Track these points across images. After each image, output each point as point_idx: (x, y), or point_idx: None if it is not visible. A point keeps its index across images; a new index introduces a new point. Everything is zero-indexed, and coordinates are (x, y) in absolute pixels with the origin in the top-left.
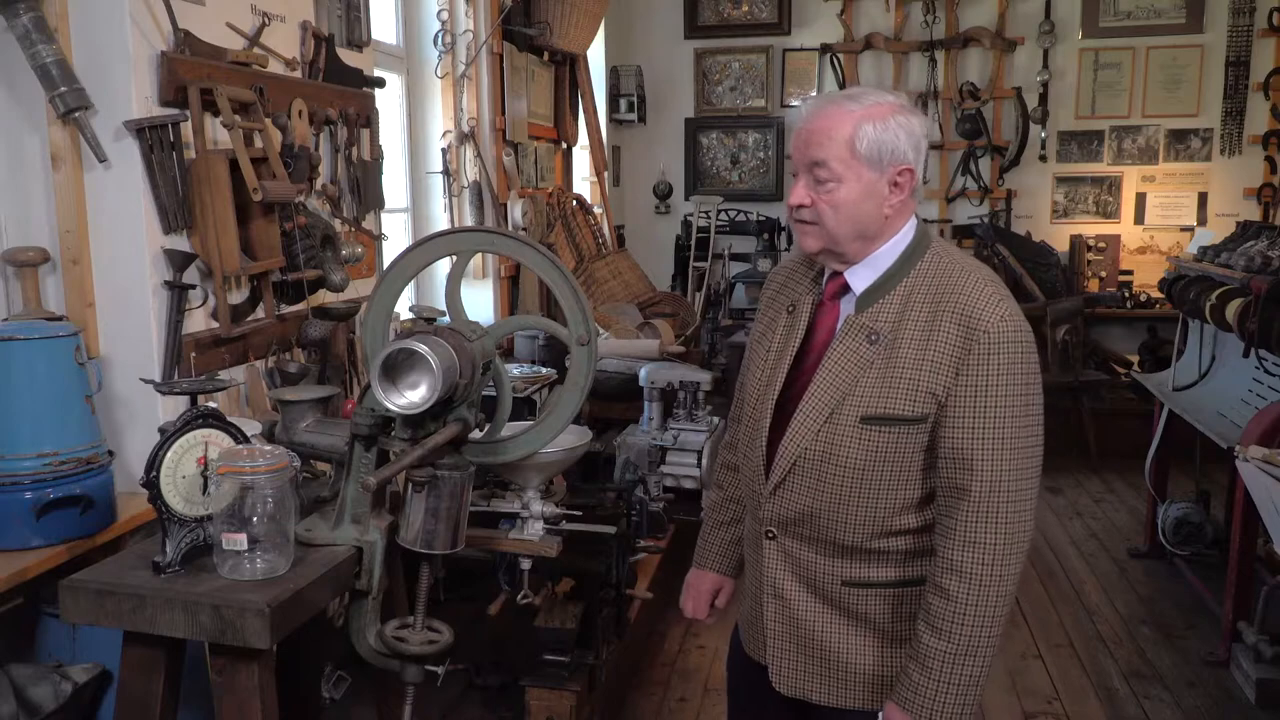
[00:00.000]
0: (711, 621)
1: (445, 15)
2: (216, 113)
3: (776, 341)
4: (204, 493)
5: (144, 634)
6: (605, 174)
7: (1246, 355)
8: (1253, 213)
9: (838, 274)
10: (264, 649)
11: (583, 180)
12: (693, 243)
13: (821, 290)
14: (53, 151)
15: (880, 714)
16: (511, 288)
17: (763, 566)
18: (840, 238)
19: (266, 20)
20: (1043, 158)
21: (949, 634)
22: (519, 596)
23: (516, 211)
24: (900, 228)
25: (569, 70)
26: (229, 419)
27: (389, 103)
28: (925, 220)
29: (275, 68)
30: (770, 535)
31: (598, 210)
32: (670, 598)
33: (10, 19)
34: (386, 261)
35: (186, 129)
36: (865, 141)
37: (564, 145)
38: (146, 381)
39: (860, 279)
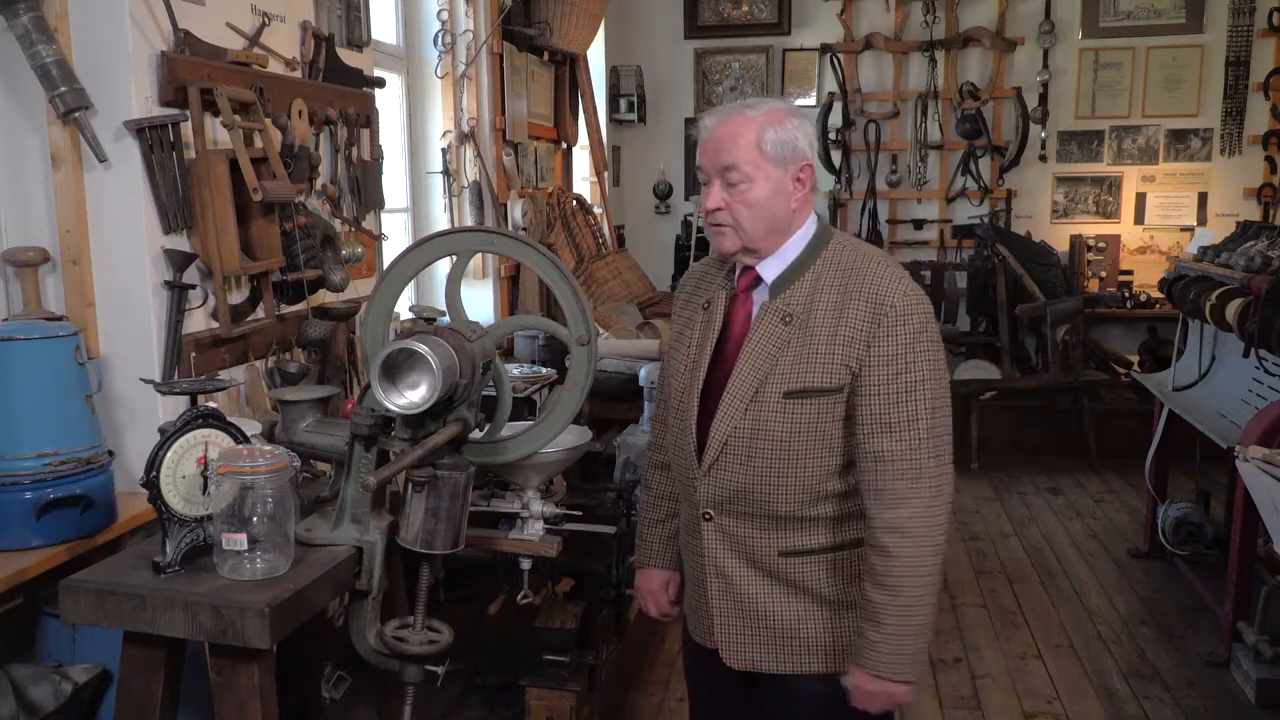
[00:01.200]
0: (675, 613)
1: (445, 15)
2: (216, 113)
3: (695, 337)
4: (204, 493)
5: (144, 634)
6: (605, 174)
7: (1246, 355)
8: (1253, 213)
9: (749, 269)
10: (264, 649)
11: (583, 180)
12: (693, 243)
13: (734, 285)
14: (53, 151)
15: (844, 681)
16: (511, 288)
17: (703, 549)
18: (755, 235)
19: (266, 20)
20: (1043, 158)
21: (895, 589)
22: (519, 596)
23: (516, 211)
24: (804, 221)
25: (569, 70)
26: (229, 419)
27: (389, 103)
28: (925, 220)
29: (275, 68)
30: (707, 517)
31: (598, 210)
32: None
33: (10, 19)
34: (386, 261)
35: (186, 129)
36: (769, 144)
37: (564, 145)
38: (146, 381)
39: (770, 270)
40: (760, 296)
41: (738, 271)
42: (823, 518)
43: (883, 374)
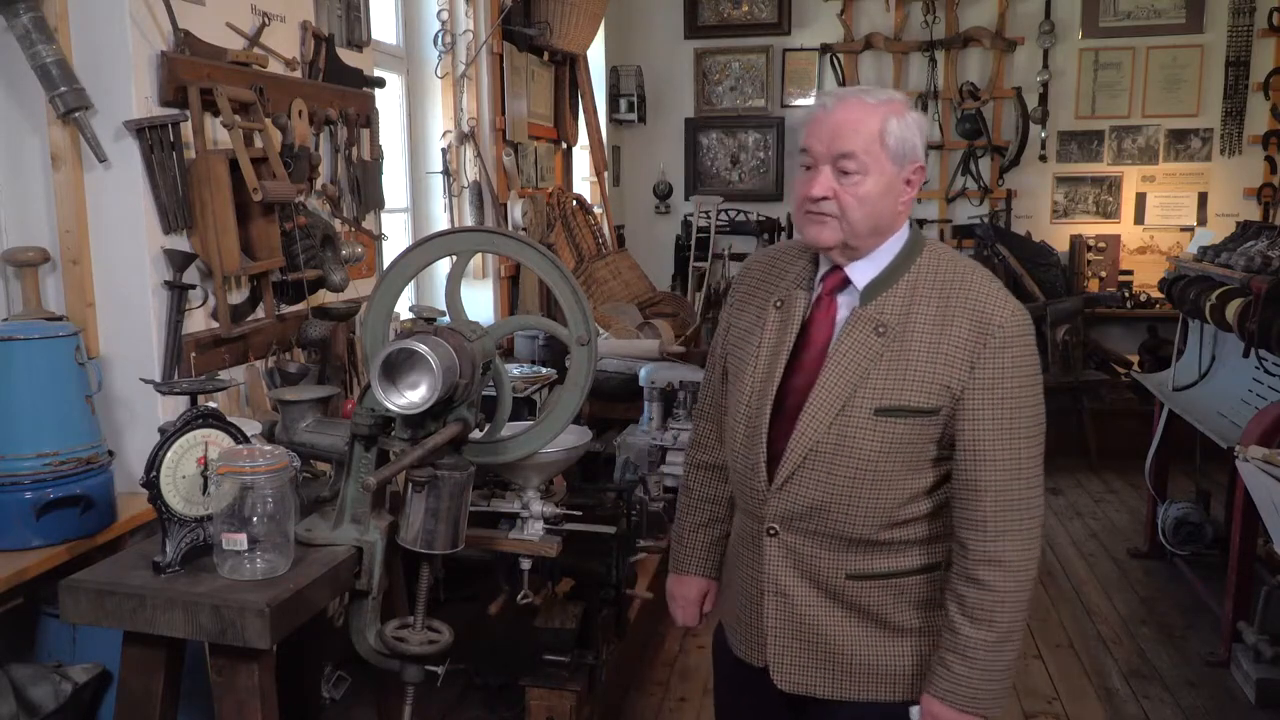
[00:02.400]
0: (702, 626)
1: (445, 15)
2: (216, 113)
3: (768, 337)
4: (204, 493)
5: (144, 634)
6: (605, 174)
7: (1246, 355)
8: (1253, 213)
9: (835, 269)
10: (264, 649)
11: (583, 180)
12: (693, 243)
13: (819, 285)
14: (53, 151)
15: (915, 710)
16: (511, 288)
17: (763, 564)
18: (859, 231)
19: (266, 20)
20: (1043, 158)
21: (990, 623)
22: (519, 596)
23: (516, 211)
24: (902, 225)
25: (569, 70)
26: (229, 419)
27: (389, 103)
28: (926, 220)
29: (275, 68)
30: (772, 532)
31: (598, 210)
32: None
33: (10, 19)
34: (386, 261)
35: (186, 129)
36: (892, 137)
37: (564, 145)
38: (146, 381)
39: (862, 273)
40: (847, 301)
41: (822, 271)
42: (896, 542)
43: (986, 399)
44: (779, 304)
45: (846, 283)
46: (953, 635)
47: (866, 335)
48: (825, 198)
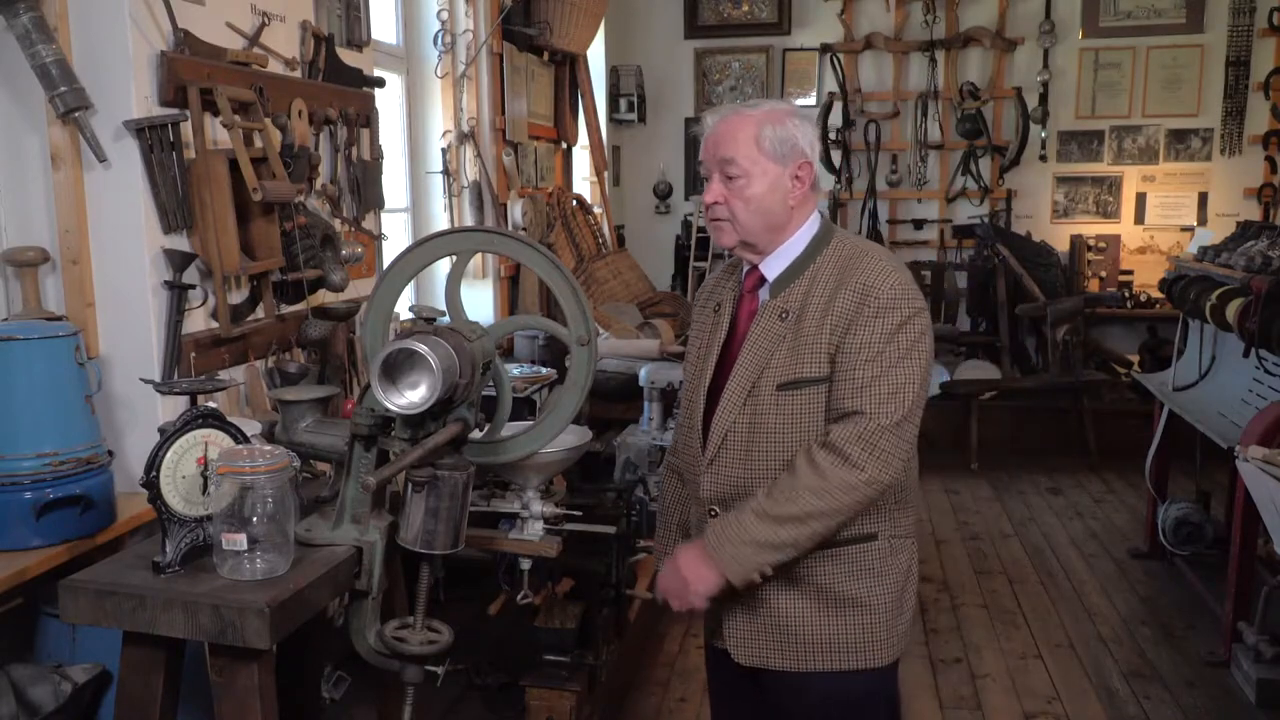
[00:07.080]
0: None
1: (445, 15)
2: (216, 113)
3: (706, 336)
4: (204, 493)
5: (144, 634)
6: (605, 174)
7: (1247, 355)
8: (1253, 212)
9: (754, 269)
10: (264, 649)
11: (583, 180)
12: (693, 243)
13: (741, 285)
14: (53, 151)
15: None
16: (511, 288)
17: None
18: (752, 230)
19: (266, 20)
20: (1043, 158)
21: (775, 499)
22: (519, 596)
23: (516, 211)
24: (805, 219)
25: (569, 70)
26: (229, 419)
27: (389, 103)
28: (925, 220)
29: (275, 67)
30: (713, 513)
31: (598, 210)
32: None
33: (10, 19)
34: (386, 261)
35: (186, 129)
36: (768, 140)
37: (564, 145)
38: (146, 381)
39: (772, 269)
40: (764, 294)
41: (744, 271)
42: None
43: (854, 356)
44: (717, 307)
45: (764, 279)
46: (748, 500)
47: (772, 322)
48: (717, 203)
